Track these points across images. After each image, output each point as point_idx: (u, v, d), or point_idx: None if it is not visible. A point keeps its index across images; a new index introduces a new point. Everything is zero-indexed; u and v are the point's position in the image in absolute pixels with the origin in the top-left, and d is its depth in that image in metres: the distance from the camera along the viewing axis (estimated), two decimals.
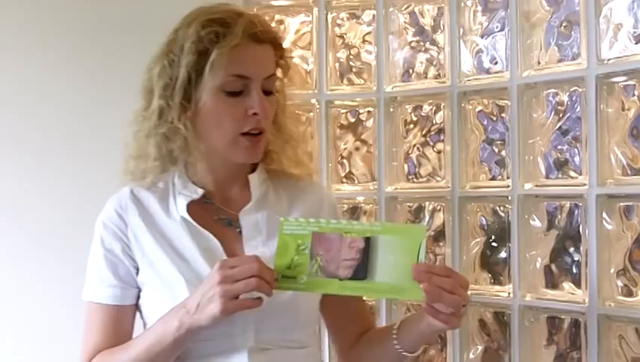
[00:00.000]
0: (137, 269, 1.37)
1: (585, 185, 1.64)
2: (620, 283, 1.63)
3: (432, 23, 1.94)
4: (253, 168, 1.45)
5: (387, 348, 1.39)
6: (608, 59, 1.61)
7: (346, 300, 1.43)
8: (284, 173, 1.47)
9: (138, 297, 1.38)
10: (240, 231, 1.38)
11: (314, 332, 1.44)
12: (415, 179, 1.98)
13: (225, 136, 1.34)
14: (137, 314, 1.41)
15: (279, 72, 1.41)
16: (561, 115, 1.75)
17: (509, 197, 1.77)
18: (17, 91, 2.02)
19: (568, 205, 1.74)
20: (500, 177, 1.85)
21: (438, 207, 1.92)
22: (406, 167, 1.98)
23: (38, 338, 2.01)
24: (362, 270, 1.22)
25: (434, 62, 1.94)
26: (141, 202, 1.40)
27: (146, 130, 1.38)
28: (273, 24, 2.02)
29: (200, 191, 1.39)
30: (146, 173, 1.42)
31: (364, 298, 1.23)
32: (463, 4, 1.86)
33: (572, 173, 1.74)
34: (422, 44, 1.97)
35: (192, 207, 1.38)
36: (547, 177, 1.77)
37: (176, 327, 1.24)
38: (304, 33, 2.04)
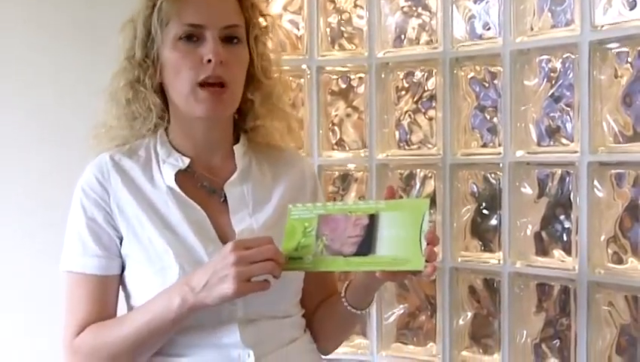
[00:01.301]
0: (120, 240, 1.34)
1: (576, 152, 1.64)
2: (610, 251, 1.64)
3: None
4: (237, 139, 1.43)
5: (339, 309, 1.40)
6: (602, 26, 1.60)
7: None
8: (266, 144, 1.46)
9: (122, 268, 1.35)
10: (224, 200, 1.37)
11: (298, 302, 1.44)
12: (406, 146, 1.97)
13: (183, 87, 1.32)
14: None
15: (257, 29, 1.40)
16: (553, 82, 1.74)
17: (501, 165, 1.76)
18: (12, 49, 1.98)
19: (559, 172, 1.74)
20: (491, 144, 1.84)
21: (429, 175, 1.91)
22: (397, 134, 1.96)
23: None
24: (366, 245, 1.22)
25: (426, 28, 1.92)
26: (124, 170, 1.36)
27: (112, 93, 1.37)
28: None
29: (186, 161, 1.37)
30: (116, 138, 1.40)
31: (367, 271, 1.24)
32: None
33: (564, 141, 1.74)
34: (414, 9, 1.94)
35: (176, 176, 1.36)
36: (539, 144, 1.76)
37: (178, 304, 1.22)
38: None
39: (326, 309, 1.47)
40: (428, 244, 1.18)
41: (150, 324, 1.26)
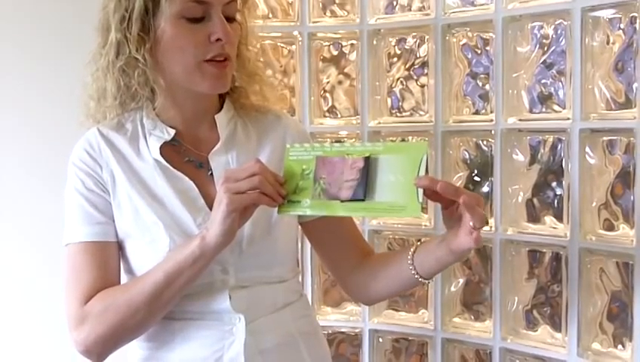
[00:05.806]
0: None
1: (568, 119, 1.64)
2: (601, 218, 1.64)
3: None
4: (221, 107, 1.43)
5: (397, 274, 1.38)
6: None
7: (334, 227, 1.45)
8: (253, 106, 1.45)
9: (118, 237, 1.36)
10: (211, 173, 1.37)
11: (293, 267, 1.45)
12: (398, 114, 1.96)
13: (188, 65, 1.31)
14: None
15: (239, 2, 1.38)
16: (545, 49, 1.73)
17: (492, 132, 1.76)
18: None
19: (551, 139, 1.74)
20: (483, 111, 1.83)
21: None
22: (389, 101, 1.96)
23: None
24: (361, 190, 1.19)
25: None
26: (113, 144, 1.36)
27: (104, 67, 1.34)
28: None
29: (171, 132, 1.37)
30: (107, 113, 1.39)
31: (362, 218, 1.22)
32: None
33: (556, 107, 1.73)
34: None
35: (163, 149, 1.36)
36: (531, 111, 1.76)
37: (196, 245, 1.22)
38: None
39: (379, 272, 1.43)
40: (425, 188, 1.15)
41: (169, 274, 1.24)
